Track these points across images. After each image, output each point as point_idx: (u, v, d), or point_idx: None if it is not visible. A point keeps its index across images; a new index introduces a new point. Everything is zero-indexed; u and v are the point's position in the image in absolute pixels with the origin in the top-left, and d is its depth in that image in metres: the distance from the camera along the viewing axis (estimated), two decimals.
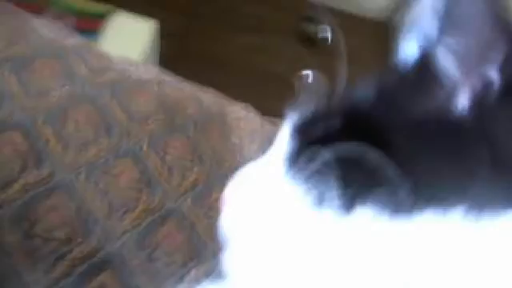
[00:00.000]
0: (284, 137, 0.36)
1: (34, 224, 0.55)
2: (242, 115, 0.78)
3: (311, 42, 2.33)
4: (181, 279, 0.59)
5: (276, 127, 0.82)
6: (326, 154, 0.29)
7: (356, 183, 0.28)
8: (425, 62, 0.30)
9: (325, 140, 0.30)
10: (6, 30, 0.70)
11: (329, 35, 2.39)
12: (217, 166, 0.70)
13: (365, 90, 0.32)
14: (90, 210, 0.59)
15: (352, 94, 0.33)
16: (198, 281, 0.59)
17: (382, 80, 0.33)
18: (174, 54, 2.04)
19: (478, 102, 0.28)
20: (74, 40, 0.74)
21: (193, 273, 0.60)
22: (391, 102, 0.30)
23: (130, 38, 1.90)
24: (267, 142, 0.76)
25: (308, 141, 0.32)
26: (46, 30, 0.74)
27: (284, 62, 2.10)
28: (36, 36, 0.72)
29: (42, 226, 0.55)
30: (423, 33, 0.30)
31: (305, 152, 0.31)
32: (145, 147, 0.66)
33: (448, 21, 0.28)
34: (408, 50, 0.33)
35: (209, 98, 0.78)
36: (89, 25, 1.98)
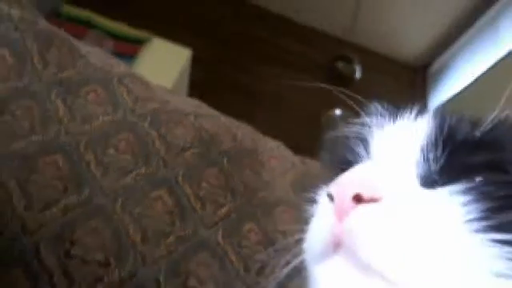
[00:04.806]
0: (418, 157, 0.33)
1: (73, 245, 0.56)
2: (274, 153, 0.79)
3: (342, 80, 2.35)
4: None
5: (307, 167, 0.83)
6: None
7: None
8: None
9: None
10: (57, 55, 0.74)
11: (358, 74, 2.40)
12: (248, 200, 0.71)
13: None
14: (126, 234, 0.60)
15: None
16: None
17: None
18: (204, 80, 2.09)
19: None
20: (119, 68, 0.78)
21: None
22: None
23: (164, 64, 1.96)
24: (298, 182, 0.78)
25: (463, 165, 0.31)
26: (94, 57, 0.77)
27: (313, 98, 2.12)
28: (84, 63, 0.75)
29: (81, 247, 0.57)
30: None
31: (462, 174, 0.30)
32: (180, 178, 0.67)
33: None
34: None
35: (243, 132, 0.79)
36: (126, 49, 2.05)
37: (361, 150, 0.37)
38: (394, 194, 0.30)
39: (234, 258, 0.64)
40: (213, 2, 2.39)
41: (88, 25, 2.11)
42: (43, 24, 0.78)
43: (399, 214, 0.29)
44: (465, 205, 0.29)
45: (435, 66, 2.53)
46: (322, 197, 0.36)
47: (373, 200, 0.30)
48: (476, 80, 2.12)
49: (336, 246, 0.30)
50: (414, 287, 0.28)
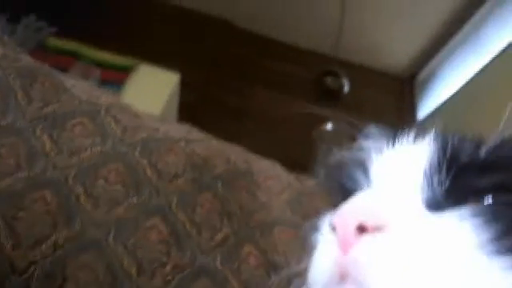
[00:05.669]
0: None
1: (65, 281, 0.54)
2: (269, 173, 0.78)
3: (331, 95, 2.36)
4: None
5: (302, 185, 0.82)
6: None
7: None
8: None
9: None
10: (41, 90, 0.73)
11: (347, 88, 2.42)
12: (245, 223, 0.70)
13: None
14: (120, 267, 0.58)
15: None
16: None
17: None
18: (194, 103, 2.09)
19: None
20: (106, 99, 0.77)
21: None
22: None
23: (153, 90, 1.96)
24: (295, 201, 0.77)
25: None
26: (79, 90, 0.76)
27: (303, 114, 2.12)
28: (70, 96, 0.74)
29: (73, 283, 0.55)
30: None
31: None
32: (174, 205, 0.66)
33: None
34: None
35: (236, 154, 0.78)
36: (114, 77, 2.05)
37: (360, 176, 0.36)
38: (400, 220, 0.29)
39: (235, 283, 0.63)
40: (199, 26, 2.40)
41: (75, 55, 2.11)
42: (26, 60, 0.77)
43: (406, 242, 0.28)
44: (475, 228, 0.28)
45: (422, 75, 2.55)
46: (323, 227, 0.35)
47: (377, 229, 0.29)
48: (463, 87, 2.14)
49: (342, 277, 0.29)
50: None
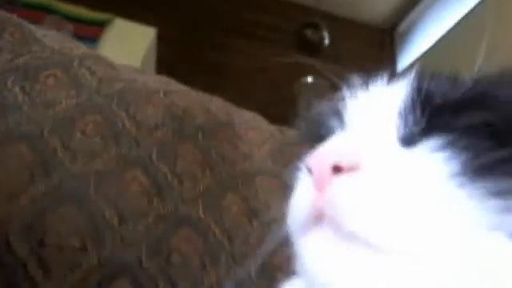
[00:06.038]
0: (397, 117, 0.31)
1: (45, 234, 0.54)
2: (251, 125, 0.77)
3: (311, 47, 2.34)
4: (200, 282, 0.58)
5: (284, 136, 0.82)
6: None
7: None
8: None
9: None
10: (11, 41, 0.69)
11: (327, 41, 2.39)
12: (227, 173, 0.70)
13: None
14: (101, 217, 0.58)
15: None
16: (217, 284, 0.59)
17: None
18: (172, 59, 2.04)
19: None
20: (80, 50, 0.74)
21: (211, 275, 0.59)
22: None
23: (128, 45, 1.91)
24: (277, 151, 0.77)
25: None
26: (51, 40, 0.73)
27: (284, 67, 2.10)
28: (41, 46, 0.71)
29: (54, 235, 0.54)
30: None
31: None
32: (154, 156, 0.65)
33: None
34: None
35: (216, 106, 0.77)
36: (87, 32, 1.98)
37: (335, 122, 0.36)
38: (374, 158, 0.29)
39: (217, 231, 0.63)
40: None
41: (46, 10, 2.03)
42: None
43: (381, 179, 0.28)
44: (448, 159, 0.28)
45: (402, 26, 2.54)
46: (301, 170, 0.35)
47: (352, 168, 0.29)
48: (442, 38, 2.14)
49: (318, 217, 0.29)
50: (400, 252, 0.27)
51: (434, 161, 0.28)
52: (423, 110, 0.30)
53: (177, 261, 0.58)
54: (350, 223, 0.27)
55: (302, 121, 0.51)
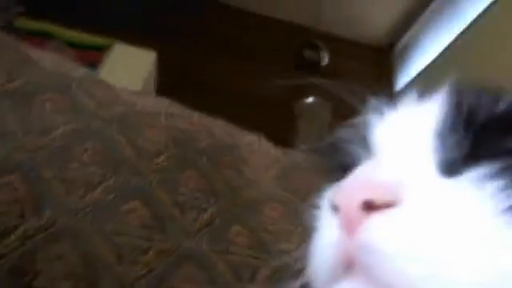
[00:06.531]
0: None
1: (36, 275, 0.49)
2: (255, 147, 0.73)
3: (310, 67, 2.31)
4: None
5: (290, 159, 0.78)
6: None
7: None
8: None
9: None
10: (6, 64, 0.66)
11: (326, 60, 2.38)
12: (232, 201, 0.65)
13: None
14: (97, 256, 0.53)
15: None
16: None
17: None
18: (172, 83, 2.02)
19: None
20: (79, 72, 0.70)
21: None
22: None
23: (129, 69, 1.88)
24: (283, 176, 0.72)
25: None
26: (48, 62, 0.70)
27: (284, 89, 2.07)
28: (38, 69, 0.68)
29: (45, 277, 0.49)
30: None
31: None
32: (155, 185, 0.61)
33: None
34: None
35: (220, 129, 0.73)
36: (88, 57, 1.96)
37: (360, 149, 0.31)
38: (414, 191, 0.24)
39: (222, 266, 0.58)
40: (173, 3, 2.31)
41: (46, 36, 2.01)
42: None
43: (425, 217, 0.23)
44: (500, 191, 0.23)
45: (400, 44, 2.54)
46: (322, 208, 0.30)
47: (388, 205, 0.24)
48: (440, 55, 2.13)
49: (348, 266, 0.24)
50: None
51: (484, 194, 0.24)
52: (466, 131, 0.26)
53: None
54: (389, 275, 0.23)
55: (321, 148, 0.45)
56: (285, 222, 0.65)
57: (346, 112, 0.33)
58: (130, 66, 1.91)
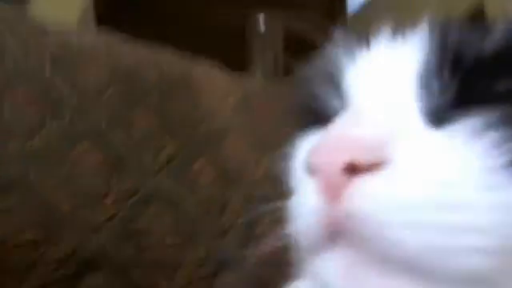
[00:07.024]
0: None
1: None
2: (209, 76, 0.70)
3: None
4: (179, 265, 0.53)
5: (247, 86, 0.75)
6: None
7: None
8: None
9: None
10: None
11: None
12: (191, 135, 0.63)
13: None
14: (54, 205, 0.51)
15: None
16: (199, 265, 0.54)
17: None
18: (114, 11, 1.91)
19: None
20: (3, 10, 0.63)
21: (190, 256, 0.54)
22: None
23: (63, 3, 1.76)
24: (242, 101, 0.70)
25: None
26: None
27: (234, 15, 2.00)
28: None
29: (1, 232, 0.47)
30: None
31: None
32: (104, 126, 0.57)
33: None
34: None
35: (169, 60, 0.69)
36: None
37: (330, 94, 0.27)
38: (403, 149, 0.22)
39: (190, 202, 0.57)
40: None
41: None
42: None
43: (419, 177, 0.21)
44: (496, 141, 0.21)
45: None
46: (297, 166, 0.27)
47: (373, 166, 0.21)
48: None
49: (334, 234, 0.22)
50: (457, 278, 0.20)
51: (480, 146, 0.21)
52: (453, 73, 0.23)
53: (149, 243, 0.53)
54: (388, 243, 0.21)
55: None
56: (250, 151, 0.64)
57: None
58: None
